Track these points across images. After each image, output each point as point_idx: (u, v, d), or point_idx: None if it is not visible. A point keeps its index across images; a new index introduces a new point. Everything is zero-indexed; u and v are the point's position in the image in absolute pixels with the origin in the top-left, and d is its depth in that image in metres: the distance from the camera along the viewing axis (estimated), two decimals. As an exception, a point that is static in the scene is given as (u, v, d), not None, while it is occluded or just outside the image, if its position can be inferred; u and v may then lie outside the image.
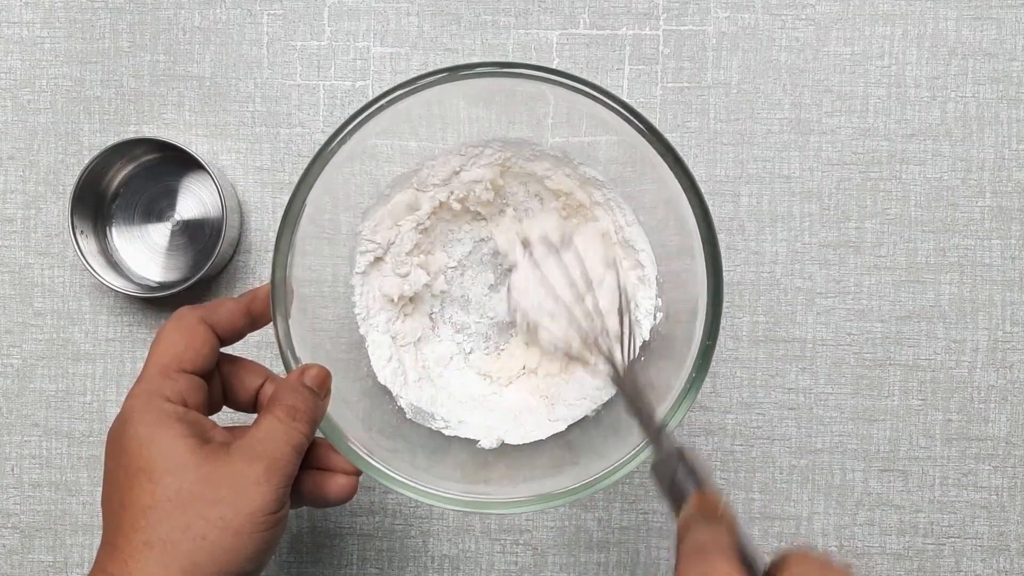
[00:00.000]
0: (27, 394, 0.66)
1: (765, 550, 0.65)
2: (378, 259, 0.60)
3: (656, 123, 0.58)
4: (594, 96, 0.49)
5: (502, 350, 0.62)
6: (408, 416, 0.59)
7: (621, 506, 0.65)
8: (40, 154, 0.66)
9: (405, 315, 0.61)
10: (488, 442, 0.58)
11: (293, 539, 0.65)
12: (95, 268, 0.63)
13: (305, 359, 0.51)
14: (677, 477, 0.43)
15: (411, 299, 0.61)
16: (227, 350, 0.52)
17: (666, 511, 0.65)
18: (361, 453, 0.51)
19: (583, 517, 0.65)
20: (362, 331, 0.60)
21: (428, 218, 0.60)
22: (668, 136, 0.50)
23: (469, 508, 0.51)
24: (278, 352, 0.50)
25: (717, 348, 0.53)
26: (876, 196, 0.65)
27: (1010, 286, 0.65)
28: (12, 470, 0.66)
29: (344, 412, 0.52)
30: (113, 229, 0.66)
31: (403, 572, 0.65)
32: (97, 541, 0.65)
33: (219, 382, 0.52)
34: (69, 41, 0.66)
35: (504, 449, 0.58)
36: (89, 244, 0.64)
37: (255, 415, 0.50)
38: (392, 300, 0.60)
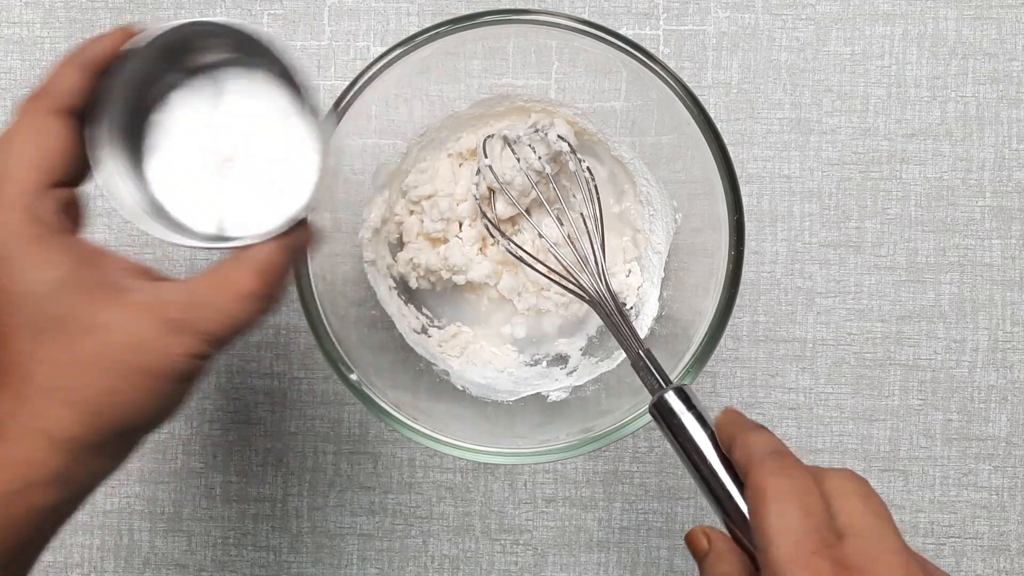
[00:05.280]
0: (27, 394, 0.66)
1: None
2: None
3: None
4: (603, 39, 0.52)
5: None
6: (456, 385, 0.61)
7: (621, 506, 0.65)
8: (40, 154, 0.66)
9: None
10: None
11: (293, 539, 0.65)
12: None
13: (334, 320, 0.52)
14: (667, 401, 0.46)
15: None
16: None
17: (665, 510, 0.65)
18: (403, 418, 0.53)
19: (583, 517, 0.65)
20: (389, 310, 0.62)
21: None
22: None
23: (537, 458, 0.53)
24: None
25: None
26: (876, 196, 0.65)
27: (1010, 286, 0.65)
28: (12, 470, 0.66)
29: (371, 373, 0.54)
30: None
31: (403, 572, 0.65)
32: (98, 541, 0.65)
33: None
34: (69, 41, 0.66)
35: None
36: None
37: None
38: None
